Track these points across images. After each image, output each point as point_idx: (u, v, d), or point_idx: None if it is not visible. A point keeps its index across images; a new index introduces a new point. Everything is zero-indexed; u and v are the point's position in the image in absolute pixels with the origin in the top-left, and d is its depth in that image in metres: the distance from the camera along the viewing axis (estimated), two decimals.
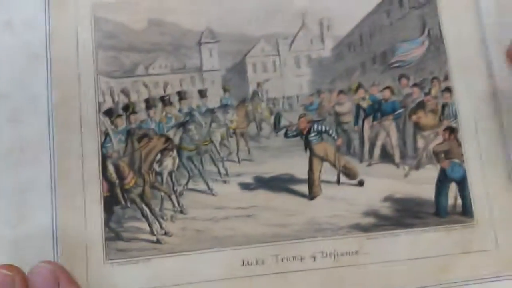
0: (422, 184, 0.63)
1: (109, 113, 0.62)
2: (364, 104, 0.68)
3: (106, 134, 0.61)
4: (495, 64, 0.63)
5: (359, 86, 0.67)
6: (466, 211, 0.61)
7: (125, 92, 0.63)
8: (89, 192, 0.58)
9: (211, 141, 0.67)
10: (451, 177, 0.63)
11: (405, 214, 0.61)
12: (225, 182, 0.63)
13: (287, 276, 0.58)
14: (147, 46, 0.64)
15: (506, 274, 0.59)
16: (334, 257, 0.59)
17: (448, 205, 0.62)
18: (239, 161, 0.65)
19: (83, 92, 0.61)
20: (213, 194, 0.62)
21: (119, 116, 0.63)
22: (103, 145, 0.60)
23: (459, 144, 0.63)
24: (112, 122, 0.62)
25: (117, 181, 0.61)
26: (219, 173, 0.64)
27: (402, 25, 0.67)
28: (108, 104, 0.62)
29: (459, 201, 0.62)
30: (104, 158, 0.60)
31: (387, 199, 0.62)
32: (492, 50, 0.64)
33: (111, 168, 0.60)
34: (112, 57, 0.62)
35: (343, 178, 0.64)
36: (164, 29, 0.64)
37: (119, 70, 0.63)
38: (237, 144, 0.67)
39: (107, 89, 0.62)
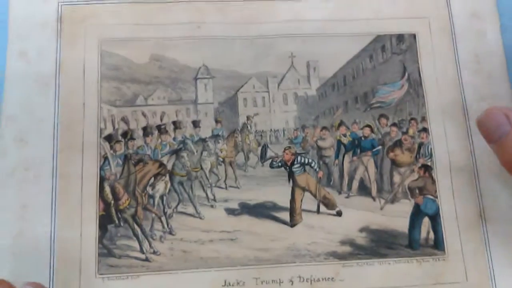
0: (396, 217, 0.66)
1: (109, 138, 0.66)
2: (345, 140, 0.72)
3: (105, 158, 0.65)
4: (471, 108, 0.68)
5: (341, 123, 0.71)
6: (438, 245, 0.64)
7: (125, 120, 0.67)
8: (86, 211, 0.63)
9: (202, 168, 0.70)
10: (425, 212, 0.66)
11: (379, 244, 0.64)
12: (212, 206, 0.67)
13: None
14: (148, 78, 0.69)
15: None
16: (311, 282, 0.62)
17: (420, 238, 0.65)
18: (226, 188, 0.69)
19: (87, 118, 0.65)
20: (201, 218, 0.65)
21: (118, 141, 0.67)
22: (101, 168, 0.64)
23: (433, 182, 0.67)
24: (111, 147, 0.66)
25: (112, 202, 0.65)
26: (207, 198, 0.67)
27: (384, 69, 0.71)
28: (109, 130, 0.66)
29: (432, 235, 0.65)
30: (102, 179, 0.64)
31: (363, 229, 0.65)
32: (468, 96, 0.68)
33: (107, 189, 0.65)
34: (115, 88, 0.67)
35: (322, 208, 0.68)
36: (164, 64, 0.69)
37: (121, 100, 0.67)
38: (226, 172, 0.71)
39: (109, 117, 0.67)
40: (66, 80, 0.66)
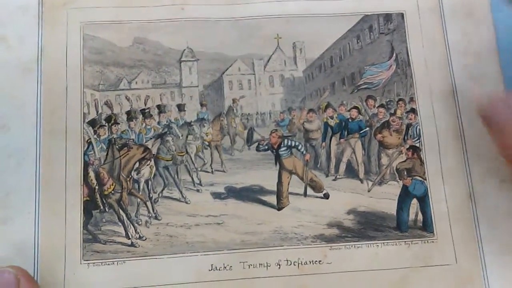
0: (384, 199, 0.66)
1: (92, 123, 0.66)
2: (332, 123, 0.72)
3: (89, 143, 0.65)
4: (459, 89, 0.67)
5: (328, 105, 0.71)
6: (427, 226, 0.64)
7: (108, 104, 0.67)
8: (70, 196, 0.62)
9: (187, 152, 0.70)
10: (413, 194, 0.66)
11: (367, 226, 0.64)
12: (198, 191, 0.66)
13: (253, 282, 0.61)
14: (131, 62, 0.68)
15: None
16: (298, 266, 0.62)
17: (409, 220, 0.65)
18: (212, 172, 0.69)
19: (70, 103, 0.65)
20: (187, 202, 0.65)
21: (101, 126, 0.66)
22: (85, 153, 0.64)
23: (422, 163, 0.66)
24: (95, 132, 0.66)
25: (96, 187, 0.64)
26: (193, 182, 0.67)
27: (371, 49, 0.71)
28: (92, 115, 0.66)
29: (420, 216, 0.65)
30: (86, 165, 0.64)
31: (350, 212, 0.65)
32: (457, 76, 0.67)
33: (92, 174, 0.64)
34: (98, 72, 0.67)
35: (309, 191, 0.68)
36: (148, 47, 0.68)
37: (104, 84, 0.67)
38: (211, 155, 0.71)
39: (92, 101, 0.66)
40: (48, 65, 0.65)
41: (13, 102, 0.64)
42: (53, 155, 0.63)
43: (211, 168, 0.69)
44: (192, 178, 0.67)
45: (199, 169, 0.69)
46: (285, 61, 0.71)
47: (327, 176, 0.69)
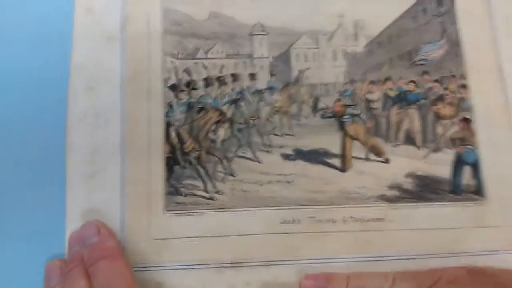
0: (440, 165, 0.70)
1: (173, 88, 0.70)
2: (392, 94, 0.76)
3: (170, 105, 0.69)
4: (505, 66, 0.73)
5: (388, 78, 0.76)
6: (479, 191, 0.69)
7: (187, 71, 0.72)
8: (154, 153, 0.66)
9: (258, 117, 0.75)
10: (466, 161, 0.70)
11: (424, 189, 0.69)
12: (268, 152, 0.71)
13: (321, 235, 0.66)
14: (207, 34, 0.73)
15: None
16: (362, 222, 0.67)
17: (462, 185, 0.69)
18: (281, 135, 0.73)
19: (152, 69, 0.69)
20: (259, 162, 0.70)
21: (182, 91, 0.71)
22: (167, 114, 0.69)
23: (473, 133, 0.71)
24: (175, 96, 0.70)
25: (178, 145, 0.69)
26: (264, 144, 0.72)
27: (425, 29, 0.76)
28: (173, 80, 0.71)
29: (473, 181, 0.70)
30: (168, 125, 0.68)
31: (409, 175, 0.70)
32: (503, 56, 0.73)
33: (173, 134, 0.69)
34: (177, 42, 0.72)
35: (371, 155, 0.72)
36: (222, 21, 0.73)
37: (183, 53, 0.72)
38: (280, 120, 0.75)
39: (172, 68, 0.71)
40: (131, 35, 0.70)
41: (98, 67, 0.69)
42: (137, 114, 0.67)
43: (281, 132, 0.74)
44: (263, 140, 0.72)
45: (270, 132, 0.73)
46: (347, 37, 0.76)
47: (386, 142, 0.74)
